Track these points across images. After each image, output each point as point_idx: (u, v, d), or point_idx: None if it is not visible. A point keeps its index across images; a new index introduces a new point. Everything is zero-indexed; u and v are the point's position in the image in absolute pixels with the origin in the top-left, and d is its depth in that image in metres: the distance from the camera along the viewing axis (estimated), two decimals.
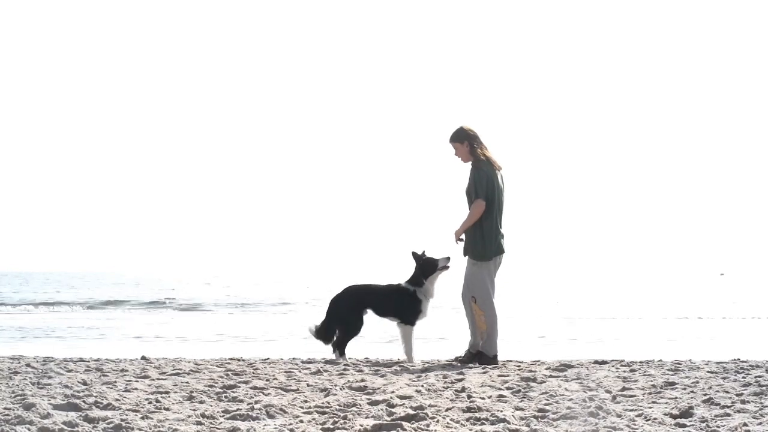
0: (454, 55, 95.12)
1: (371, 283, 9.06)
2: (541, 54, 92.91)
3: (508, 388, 6.40)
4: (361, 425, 4.71)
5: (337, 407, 5.37)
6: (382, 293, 8.84)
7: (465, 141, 8.50)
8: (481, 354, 8.34)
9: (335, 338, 8.83)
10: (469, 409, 5.27)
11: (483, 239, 8.36)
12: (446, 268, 8.69)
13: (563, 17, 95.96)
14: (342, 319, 8.81)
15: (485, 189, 8.33)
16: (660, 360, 8.80)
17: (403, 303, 8.68)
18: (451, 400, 5.72)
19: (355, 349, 9.29)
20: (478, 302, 8.35)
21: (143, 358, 9.10)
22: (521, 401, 5.72)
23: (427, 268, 8.70)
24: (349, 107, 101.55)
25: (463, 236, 8.51)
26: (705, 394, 5.94)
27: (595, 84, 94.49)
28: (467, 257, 8.48)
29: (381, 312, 8.80)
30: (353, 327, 8.80)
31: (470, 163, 8.52)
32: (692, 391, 6.16)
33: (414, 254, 8.77)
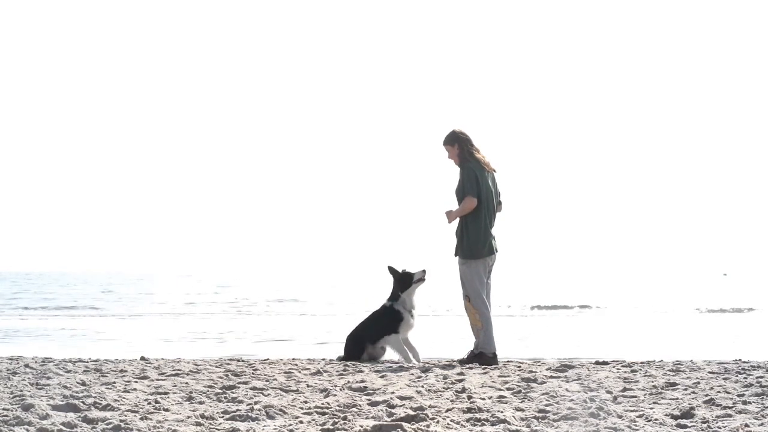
0: (452, 57, 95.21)
1: (363, 319, 9.15)
2: (538, 54, 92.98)
3: (508, 389, 6.39)
4: (361, 426, 4.69)
5: (337, 408, 5.36)
6: (367, 323, 8.95)
7: (456, 144, 8.57)
8: (482, 354, 8.38)
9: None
10: (469, 410, 5.25)
11: (470, 238, 8.44)
12: (422, 281, 8.82)
13: (560, 17, 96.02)
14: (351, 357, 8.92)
15: (475, 188, 8.36)
16: (661, 360, 8.79)
17: (384, 320, 8.80)
18: (451, 401, 5.70)
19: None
20: (471, 301, 8.42)
21: (142, 358, 9.09)
22: (522, 402, 5.70)
23: (403, 282, 8.81)
24: (348, 108, 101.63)
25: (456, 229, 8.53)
26: (706, 395, 5.92)
27: (598, 83, 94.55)
28: (457, 257, 8.53)
29: (374, 340, 8.85)
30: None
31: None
32: (693, 392, 6.14)
33: (390, 269, 8.90)
